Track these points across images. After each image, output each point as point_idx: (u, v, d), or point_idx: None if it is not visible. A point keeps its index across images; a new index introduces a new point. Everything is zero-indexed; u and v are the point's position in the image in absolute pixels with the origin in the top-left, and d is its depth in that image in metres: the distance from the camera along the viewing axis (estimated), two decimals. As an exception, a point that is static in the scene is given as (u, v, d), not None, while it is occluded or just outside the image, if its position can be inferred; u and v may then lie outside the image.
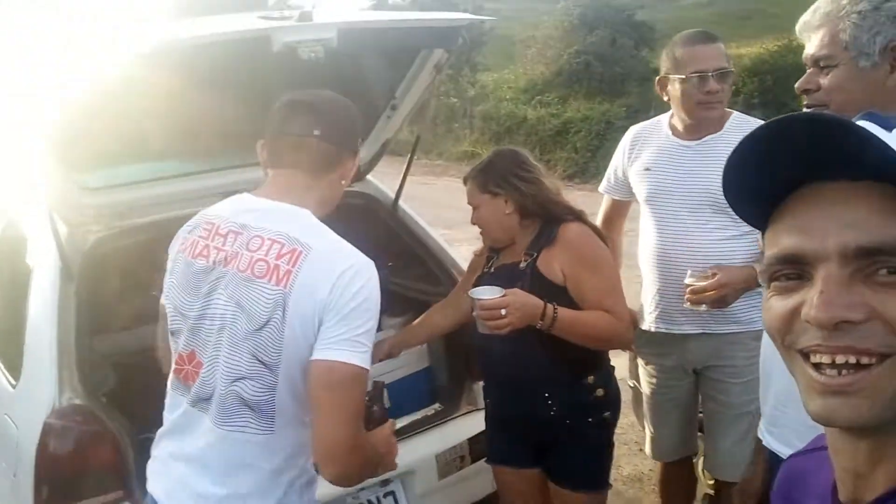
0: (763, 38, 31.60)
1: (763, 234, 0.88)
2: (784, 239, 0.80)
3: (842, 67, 1.60)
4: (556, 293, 2.36)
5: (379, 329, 3.57)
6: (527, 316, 2.27)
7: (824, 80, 1.63)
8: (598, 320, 2.36)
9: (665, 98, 2.79)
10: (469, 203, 2.54)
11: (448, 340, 3.18)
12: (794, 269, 0.79)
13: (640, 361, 2.98)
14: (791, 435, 1.69)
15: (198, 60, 2.35)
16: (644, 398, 3.01)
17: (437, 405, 3.12)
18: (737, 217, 2.86)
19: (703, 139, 2.74)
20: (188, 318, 1.83)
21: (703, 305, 2.56)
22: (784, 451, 1.71)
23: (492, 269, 2.57)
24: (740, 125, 2.74)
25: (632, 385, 3.20)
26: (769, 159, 0.80)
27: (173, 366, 1.91)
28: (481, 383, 2.81)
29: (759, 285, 2.63)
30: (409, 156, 3.41)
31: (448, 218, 7.39)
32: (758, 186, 0.83)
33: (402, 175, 3.43)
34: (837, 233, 0.75)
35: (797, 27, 1.70)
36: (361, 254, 1.78)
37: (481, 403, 2.82)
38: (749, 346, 2.69)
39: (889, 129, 0.80)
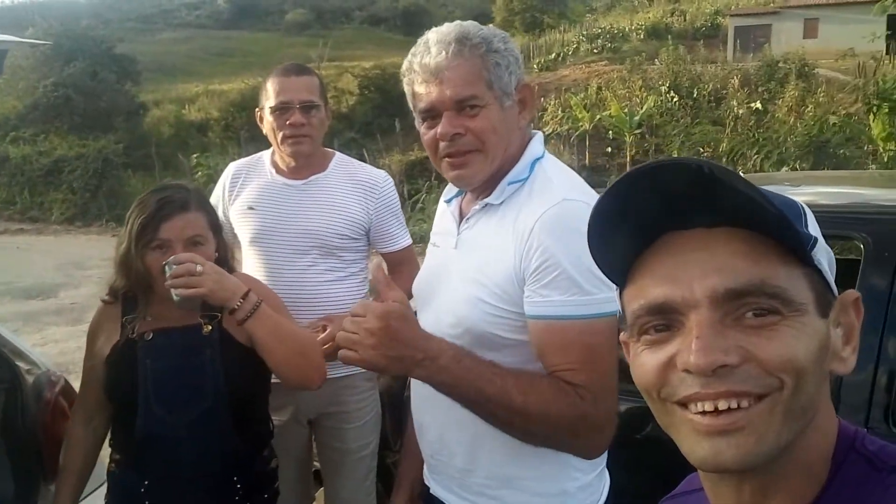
0: (243, 74, 33.06)
1: (621, 292, 0.86)
2: (651, 290, 0.79)
3: (490, 108, 1.53)
4: (247, 358, 2.05)
5: None
6: (226, 286, 1.92)
7: (472, 123, 1.53)
8: (294, 328, 2.13)
9: (264, 131, 2.66)
10: (188, 236, 2.01)
11: (5, 427, 2.59)
12: (663, 320, 0.78)
13: None
14: (450, 482, 1.69)
15: None
16: None
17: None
18: (345, 257, 2.68)
19: (309, 179, 2.65)
20: None
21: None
22: (446, 497, 1.70)
23: (150, 337, 2.04)
24: (345, 166, 2.72)
25: None
26: (626, 214, 0.79)
27: None
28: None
29: None
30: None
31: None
32: (616, 241, 0.82)
33: None
34: (704, 278, 0.75)
35: (406, 68, 1.59)
36: None
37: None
38: (361, 388, 2.69)
39: None
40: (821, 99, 18.13)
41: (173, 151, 21.49)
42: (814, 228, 0.81)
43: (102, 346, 2.10)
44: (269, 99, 2.56)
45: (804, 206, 0.82)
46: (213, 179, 17.45)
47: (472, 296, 1.56)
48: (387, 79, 26.06)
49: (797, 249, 0.76)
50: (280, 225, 2.61)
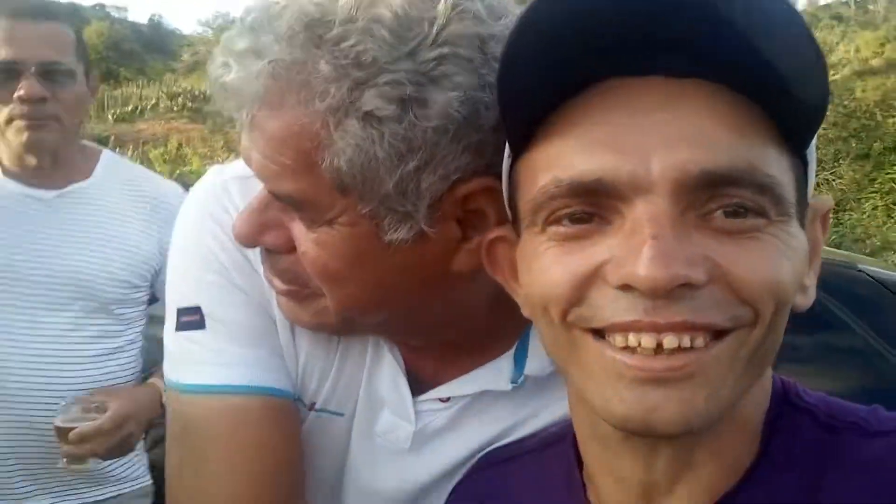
0: None
1: (516, 158, 0.62)
2: (574, 159, 0.55)
3: None
4: None
5: None
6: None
7: None
8: None
9: None
10: None
11: None
12: (587, 206, 0.55)
13: None
14: None
15: None
16: None
17: None
18: (123, 315, 1.86)
19: (65, 189, 1.80)
20: None
21: (90, 460, 1.58)
22: None
23: None
24: (117, 170, 1.91)
25: None
26: (544, 40, 0.54)
27: None
28: None
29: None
30: None
31: None
32: (522, 83, 0.56)
33: None
34: (668, 150, 0.52)
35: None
36: None
37: None
38: None
39: None
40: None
41: None
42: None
43: None
44: None
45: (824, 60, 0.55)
46: None
47: None
48: None
49: (799, 132, 0.55)
50: (20, 262, 1.72)
